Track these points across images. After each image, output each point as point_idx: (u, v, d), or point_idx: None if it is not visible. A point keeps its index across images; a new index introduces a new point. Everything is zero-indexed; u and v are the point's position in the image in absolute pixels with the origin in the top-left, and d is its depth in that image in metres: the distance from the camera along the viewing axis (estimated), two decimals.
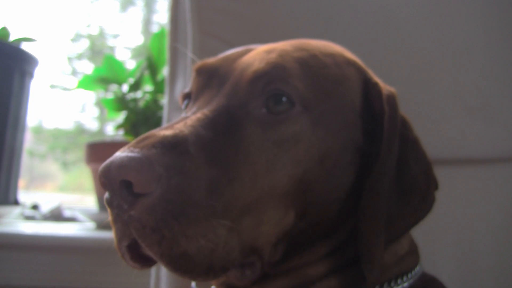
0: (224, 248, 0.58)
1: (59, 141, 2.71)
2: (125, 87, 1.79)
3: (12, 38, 1.75)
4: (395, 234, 0.69)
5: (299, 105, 0.64)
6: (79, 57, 2.70)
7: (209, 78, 0.71)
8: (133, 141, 0.57)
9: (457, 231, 1.13)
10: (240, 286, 0.70)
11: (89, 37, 2.70)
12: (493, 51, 1.21)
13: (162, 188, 0.54)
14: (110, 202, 0.56)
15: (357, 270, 0.68)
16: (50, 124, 2.72)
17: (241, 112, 0.64)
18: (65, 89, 1.78)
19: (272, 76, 0.65)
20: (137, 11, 2.80)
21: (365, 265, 0.65)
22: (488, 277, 1.13)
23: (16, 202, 1.76)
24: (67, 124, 2.72)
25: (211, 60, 0.74)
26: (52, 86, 1.73)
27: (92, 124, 2.66)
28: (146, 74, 1.79)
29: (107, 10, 2.73)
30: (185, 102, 0.77)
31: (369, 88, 0.71)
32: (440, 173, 1.12)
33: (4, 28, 1.70)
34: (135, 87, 1.79)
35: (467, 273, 1.12)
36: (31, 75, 1.77)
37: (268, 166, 0.62)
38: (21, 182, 2.88)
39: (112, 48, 1.86)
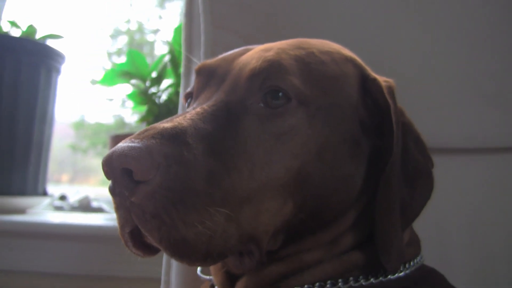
0: (222, 235, 0.60)
1: (100, 135, 2.76)
2: (148, 81, 1.83)
3: (44, 34, 1.80)
4: (409, 220, 0.72)
5: (295, 100, 0.67)
6: (119, 52, 2.74)
7: (209, 78, 0.74)
8: (135, 133, 0.60)
9: (472, 220, 1.13)
10: (238, 272, 0.73)
11: (128, 32, 2.73)
12: (510, 37, 1.21)
13: (161, 176, 0.57)
14: (113, 190, 0.59)
15: (353, 257, 0.71)
16: (91, 119, 2.77)
17: (240, 107, 0.67)
18: (105, 84, 1.83)
19: (269, 73, 0.68)
20: (176, 6, 2.83)
21: (383, 257, 0.68)
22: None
23: (44, 193, 1.82)
24: (108, 119, 2.77)
25: (210, 60, 0.77)
26: (93, 82, 1.77)
27: (132, 118, 2.70)
28: (169, 67, 1.82)
29: (146, 6, 2.76)
30: (188, 101, 0.80)
31: (368, 83, 0.74)
32: (456, 162, 1.14)
33: (31, 26, 1.75)
34: (157, 80, 1.83)
35: (482, 265, 1.13)
36: (57, 71, 1.82)
37: (266, 158, 0.65)
38: (65, 176, 2.96)
39: (151, 43, 1.90)
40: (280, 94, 0.67)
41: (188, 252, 0.59)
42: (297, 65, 0.69)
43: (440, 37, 1.18)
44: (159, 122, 0.63)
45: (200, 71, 0.76)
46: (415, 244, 0.78)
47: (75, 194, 2.14)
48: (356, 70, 0.75)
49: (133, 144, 0.57)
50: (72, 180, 2.90)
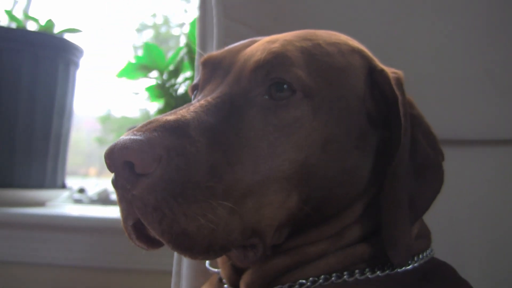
0: (225, 229, 0.60)
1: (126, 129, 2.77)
2: (165, 74, 1.84)
3: (61, 29, 1.82)
4: (418, 213, 0.71)
5: (300, 92, 0.66)
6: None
7: (214, 70, 0.74)
8: (138, 126, 0.60)
9: (485, 213, 1.11)
10: (242, 266, 0.73)
11: (154, 26, 2.74)
12: None
13: (162, 168, 0.57)
14: (115, 183, 0.60)
15: (359, 250, 0.70)
16: (117, 113, 2.80)
17: (244, 99, 0.67)
18: (124, 77, 1.85)
19: (273, 65, 0.67)
20: None
21: (389, 251, 0.67)
22: None
23: (63, 186, 1.84)
24: (134, 113, 2.79)
25: (216, 52, 0.77)
26: (120, 76, 1.79)
27: None
28: (186, 60, 1.82)
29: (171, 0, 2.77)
30: (195, 93, 0.79)
31: (375, 75, 0.73)
32: (469, 154, 1.13)
33: (49, 21, 1.77)
34: (174, 73, 1.83)
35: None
36: (76, 65, 1.84)
37: (270, 150, 0.64)
38: (92, 170, 3.00)
39: (177, 37, 1.90)
40: (285, 86, 0.66)
41: (190, 245, 0.59)
42: (302, 56, 0.68)
43: (453, 26, 1.16)
44: (162, 115, 0.63)
45: (206, 63, 0.76)
46: (424, 237, 0.77)
47: (94, 187, 2.16)
48: (364, 62, 0.73)
49: (134, 137, 0.57)
50: (99, 174, 2.93)
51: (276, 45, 0.69)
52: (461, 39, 1.14)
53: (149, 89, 1.87)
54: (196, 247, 0.59)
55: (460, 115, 1.12)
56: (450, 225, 1.07)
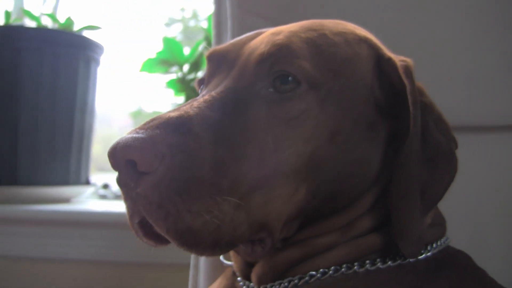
0: (231, 224, 0.60)
1: None
2: (185, 68, 1.85)
3: (81, 26, 1.83)
4: (430, 203, 0.69)
5: (305, 84, 0.65)
6: None
7: (219, 64, 0.73)
8: (141, 124, 0.60)
9: (505, 199, 1.09)
10: (251, 260, 0.73)
11: (183, 20, 2.75)
12: None
13: (165, 166, 0.57)
14: (119, 181, 0.60)
15: (370, 240, 0.69)
16: (149, 108, 2.81)
17: (248, 93, 0.66)
18: (146, 72, 1.86)
19: (277, 58, 0.66)
20: None
21: (400, 242, 0.66)
22: None
23: (87, 182, 1.86)
24: (165, 108, 2.80)
25: (221, 46, 0.76)
26: (142, 70, 1.81)
27: None
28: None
29: None
30: (201, 87, 0.79)
31: (383, 64, 0.71)
32: (487, 140, 1.10)
33: (69, 18, 1.78)
34: (194, 67, 1.84)
35: None
36: (96, 62, 1.85)
37: (275, 144, 0.64)
38: None
39: (206, 31, 1.91)
40: (289, 78, 0.65)
41: (196, 242, 0.59)
42: (307, 48, 0.68)
43: (468, 9, 1.13)
44: (166, 112, 0.63)
45: (211, 57, 0.76)
46: (439, 225, 0.76)
47: None
48: (371, 51, 0.72)
49: (137, 135, 0.57)
50: None
51: (280, 37, 0.68)
52: (476, 21, 1.12)
53: (170, 83, 1.88)
54: (202, 243, 0.59)
55: (476, 100, 1.10)
56: (467, 214, 1.05)
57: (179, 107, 0.64)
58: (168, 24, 2.70)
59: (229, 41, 0.77)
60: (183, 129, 0.60)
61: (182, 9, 2.70)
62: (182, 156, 0.58)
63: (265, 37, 0.71)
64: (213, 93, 0.66)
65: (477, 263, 0.74)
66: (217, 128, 0.62)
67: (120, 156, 0.57)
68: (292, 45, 0.67)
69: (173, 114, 0.61)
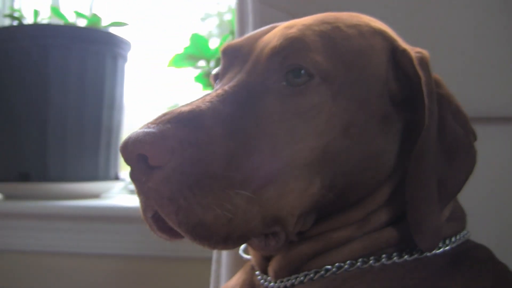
0: (243, 218, 0.60)
1: None
2: (212, 63, 1.85)
3: (108, 23, 1.86)
4: (448, 196, 0.68)
5: (318, 77, 0.65)
6: (209, 35, 2.77)
7: (233, 58, 0.73)
8: (153, 118, 0.61)
9: None
10: (264, 254, 0.73)
11: (219, 14, 2.76)
12: None
13: (176, 160, 0.57)
14: (132, 176, 0.61)
15: (386, 234, 0.69)
16: (183, 102, 2.82)
17: (261, 87, 0.66)
18: (174, 67, 1.88)
19: (289, 51, 0.66)
20: None
21: (416, 236, 0.65)
22: None
23: (117, 178, 1.88)
24: None
25: (236, 40, 0.76)
26: (169, 66, 1.83)
27: None
28: None
29: None
30: (216, 81, 0.79)
31: (398, 56, 0.70)
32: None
33: (95, 15, 1.81)
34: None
35: None
36: (124, 58, 1.87)
37: (288, 137, 0.63)
38: None
39: (232, 25, 1.92)
40: (302, 71, 0.65)
41: (208, 235, 0.59)
42: (321, 41, 0.67)
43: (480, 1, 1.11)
44: (178, 106, 0.63)
45: (225, 52, 0.76)
46: (458, 219, 0.74)
47: None
48: (386, 43, 0.71)
49: (148, 130, 0.58)
50: None
51: (293, 30, 0.68)
52: (496, 12, 1.09)
53: (198, 77, 1.89)
54: (214, 237, 0.59)
55: (493, 91, 1.07)
56: (489, 206, 1.03)
57: (191, 101, 0.64)
58: (203, 19, 2.71)
59: (245, 35, 0.77)
60: (194, 123, 0.60)
61: (218, 3, 2.71)
62: (193, 150, 0.58)
63: (278, 31, 0.70)
64: (226, 87, 0.66)
65: (501, 258, 0.72)
66: (229, 122, 0.62)
67: (132, 150, 0.57)
68: (305, 38, 0.66)
69: (184, 109, 0.61)
